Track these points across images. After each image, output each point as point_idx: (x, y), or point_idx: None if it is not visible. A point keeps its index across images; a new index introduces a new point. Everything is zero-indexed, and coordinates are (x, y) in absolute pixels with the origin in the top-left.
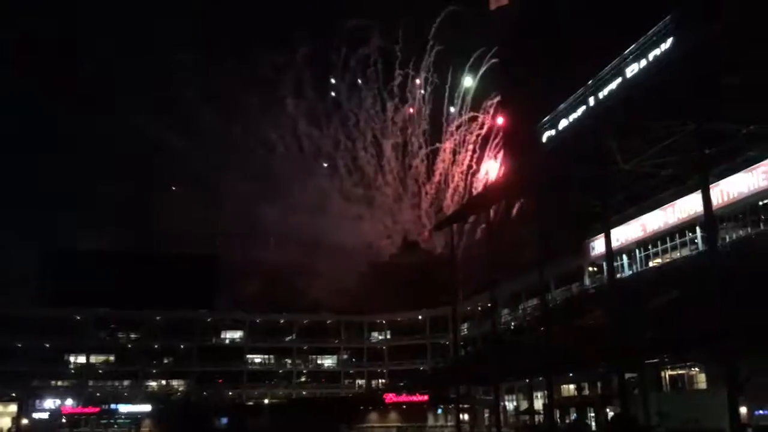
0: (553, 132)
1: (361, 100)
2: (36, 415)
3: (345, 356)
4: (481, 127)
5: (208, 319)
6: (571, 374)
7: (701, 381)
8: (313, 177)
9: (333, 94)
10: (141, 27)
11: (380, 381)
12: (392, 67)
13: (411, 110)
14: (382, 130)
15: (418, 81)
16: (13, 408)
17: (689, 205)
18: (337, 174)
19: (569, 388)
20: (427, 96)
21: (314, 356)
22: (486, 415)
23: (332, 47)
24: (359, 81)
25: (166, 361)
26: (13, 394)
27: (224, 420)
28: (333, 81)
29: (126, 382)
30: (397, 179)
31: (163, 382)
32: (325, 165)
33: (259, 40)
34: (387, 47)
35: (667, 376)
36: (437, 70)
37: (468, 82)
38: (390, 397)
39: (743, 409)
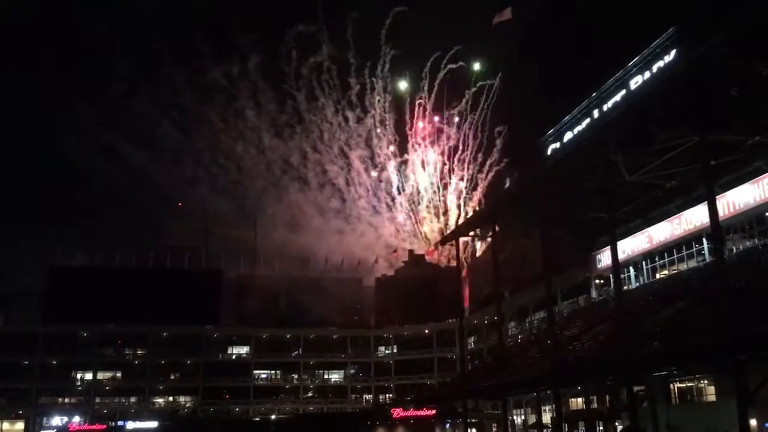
0: (557, 145)
1: (319, 110)
2: None
3: (352, 371)
4: (448, 138)
5: (215, 335)
6: (579, 387)
7: (710, 393)
8: (285, 192)
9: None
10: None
11: (387, 395)
12: (347, 75)
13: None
14: (347, 141)
15: (375, 89)
16: (20, 425)
17: (696, 217)
18: (309, 187)
19: (578, 402)
20: (387, 105)
21: (321, 371)
22: (494, 429)
23: (282, 55)
24: (316, 91)
25: (172, 377)
26: (21, 412)
27: None
28: (289, 91)
29: (133, 399)
30: (369, 192)
31: (170, 398)
32: (304, 182)
33: (207, 49)
34: (339, 54)
35: (676, 388)
36: (394, 76)
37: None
38: (397, 412)
39: (753, 422)
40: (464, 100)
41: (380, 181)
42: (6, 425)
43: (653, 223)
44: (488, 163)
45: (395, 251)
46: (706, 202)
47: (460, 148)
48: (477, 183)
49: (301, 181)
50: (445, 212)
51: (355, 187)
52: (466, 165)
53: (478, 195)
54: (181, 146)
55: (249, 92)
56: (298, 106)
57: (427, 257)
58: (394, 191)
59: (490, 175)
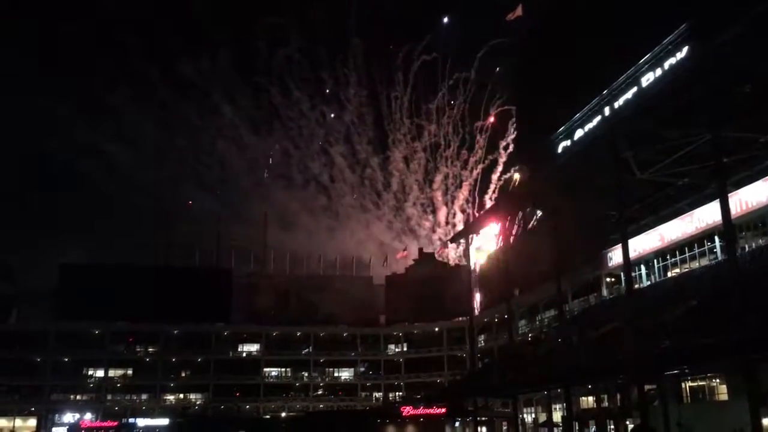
0: (568, 142)
1: (293, 105)
2: (55, 430)
3: (362, 369)
4: (431, 135)
5: (225, 333)
6: (590, 386)
7: (722, 392)
8: (285, 192)
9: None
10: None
11: (397, 393)
12: (319, 69)
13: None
14: (325, 137)
15: (349, 83)
16: (32, 422)
17: (707, 215)
18: (293, 185)
19: (588, 400)
20: (363, 99)
21: (331, 369)
22: (504, 428)
23: (251, 49)
24: (290, 86)
25: (183, 374)
26: (33, 408)
27: None
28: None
29: (144, 396)
30: (354, 189)
31: (181, 395)
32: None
33: (177, 45)
34: (308, 47)
35: (687, 387)
36: (368, 69)
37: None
38: (407, 410)
39: (765, 421)
40: (440, 94)
41: (362, 180)
42: (18, 422)
43: (665, 221)
44: (472, 160)
45: (405, 250)
46: (718, 200)
47: (442, 144)
48: (462, 180)
49: (305, 180)
50: (434, 210)
51: (341, 184)
52: (449, 162)
53: (463, 192)
54: (181, 147)
55: (223, 87)
56: (272, 99)
57: (437, 255)
58: (380, 187)
59: (476, 172)
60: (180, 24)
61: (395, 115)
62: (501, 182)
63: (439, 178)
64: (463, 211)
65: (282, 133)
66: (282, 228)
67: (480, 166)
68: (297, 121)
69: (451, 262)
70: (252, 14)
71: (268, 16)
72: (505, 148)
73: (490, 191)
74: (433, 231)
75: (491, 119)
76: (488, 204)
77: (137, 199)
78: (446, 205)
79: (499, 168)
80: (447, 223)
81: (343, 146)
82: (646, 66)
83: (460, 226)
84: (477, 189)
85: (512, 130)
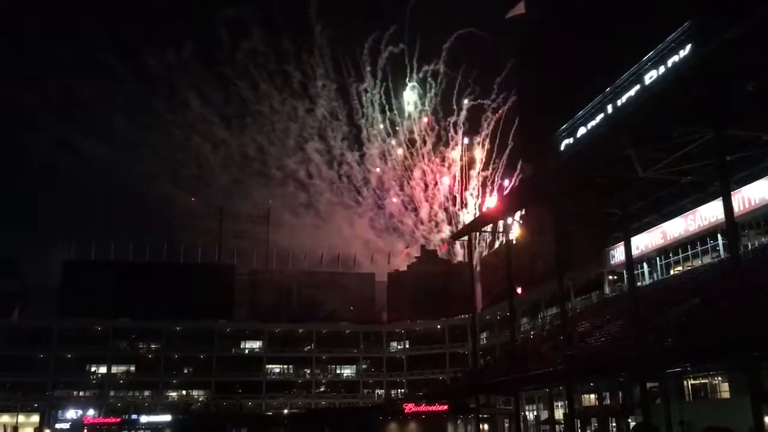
0: (571, 140)
1: (262, 100)
2: (58, 426)
3: (364, 366)
4: (405, 130)
5: (227, 330)
6: (592, 383)
7: (724, 390)
8: (279, 191)
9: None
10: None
11: (399, 391)
12: (284, 61)
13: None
14: (300, 132)
15: (316, 76)
16: (35, 418)
17: (710, 212)
18: (274, 183)
19: (590, 398)
20: (332, 93)
21: (333, 366)
22: (506, 425)
23: (213, 42)
24: (257, 80)
25: (185, 371)
26: (36, 405)
27: (243, 430)
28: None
29: (146, 393)
30: (334, 186)
31: (183, 392)
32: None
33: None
34: (271, 39)
35: (689, 384)
36: (334, 62)
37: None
38: (409, 407)
39: (767, 419)
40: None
41: (339, 177)
42: (21, 418)
43: (667, 219)
44: (450, 156)
45: (407, 247)
46: (720, 198)
47: (417, 140)
48: (441, 177)
49: (295, 181)
50: (415, 208)
51: (321, 181)
52: (427, 158)
53: (443, 189)
54: (181, 146)
55: (190, 81)
56: (241, 93)
57: (439, 253)
58: (359, 184)
59: (454, 168)
60: (140, 15)
61: (367, 110)
62: (481, 179)
63: (417, 174)
64: (445, 209)
65: (256, 130)
66: (271, 226)
67: (459, 163)
68: (269, 116)
69: (456, 259)
70: (212, 5)
71: (230, 7)
72: (481, 143)
73: (471, 187)
74: (416, 228)
75: (464, 113)
76: (470, 200)
77: (139, 197)
78: (427, 201)
79: (478, 165)
80: (430, 220)
81: (318, 142)
82: (650, 63)
83: (443, 224)
84: (457, 185)
85: (486, 125)
